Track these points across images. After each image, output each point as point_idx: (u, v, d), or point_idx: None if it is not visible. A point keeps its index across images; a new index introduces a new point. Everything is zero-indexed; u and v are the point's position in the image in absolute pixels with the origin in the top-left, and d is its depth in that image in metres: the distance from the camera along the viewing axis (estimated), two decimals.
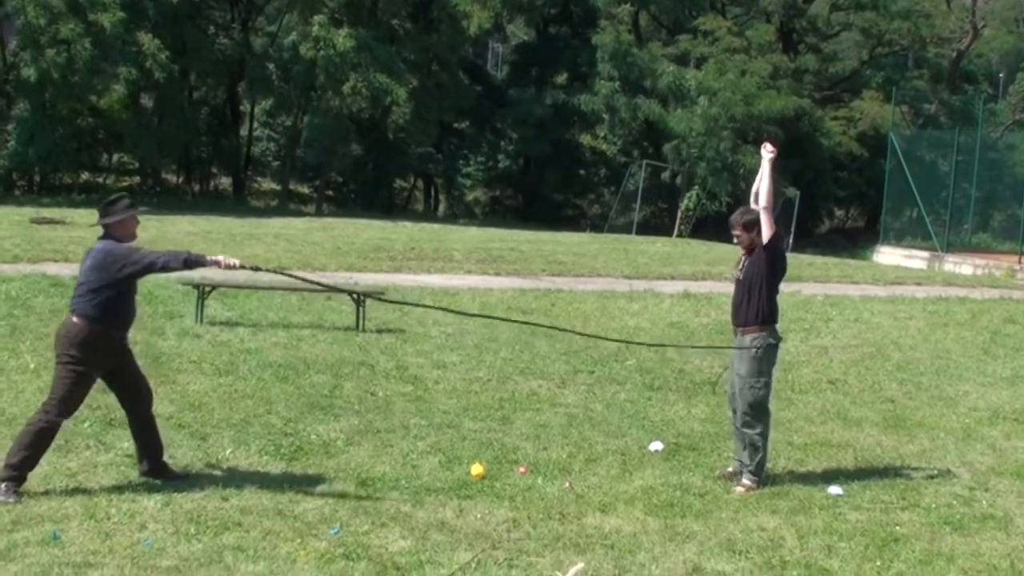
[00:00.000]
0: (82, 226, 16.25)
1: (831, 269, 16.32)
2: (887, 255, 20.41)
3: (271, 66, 25.01)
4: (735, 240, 5.01)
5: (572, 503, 4.53)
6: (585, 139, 29.34)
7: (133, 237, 4.34)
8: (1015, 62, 32.77)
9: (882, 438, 6.01)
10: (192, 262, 4.28)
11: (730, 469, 4.96)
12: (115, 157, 26.80)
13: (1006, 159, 25.22)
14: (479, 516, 4.29)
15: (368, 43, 23.12)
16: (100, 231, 4.37)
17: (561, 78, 29.00)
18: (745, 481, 4.89)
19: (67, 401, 4.29)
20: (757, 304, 4.86)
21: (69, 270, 10.71)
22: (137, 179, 26.85)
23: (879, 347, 9.18)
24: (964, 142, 21.53)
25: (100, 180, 26.37)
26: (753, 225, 4.91)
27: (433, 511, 4.32)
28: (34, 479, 4.44)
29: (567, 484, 4.78)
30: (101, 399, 5.77)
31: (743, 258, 4.99)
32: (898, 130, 23.68)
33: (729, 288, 5.21)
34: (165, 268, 4.30)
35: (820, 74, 28.46)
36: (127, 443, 5.01)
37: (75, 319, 4.24)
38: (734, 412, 5.00)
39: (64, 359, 4.27)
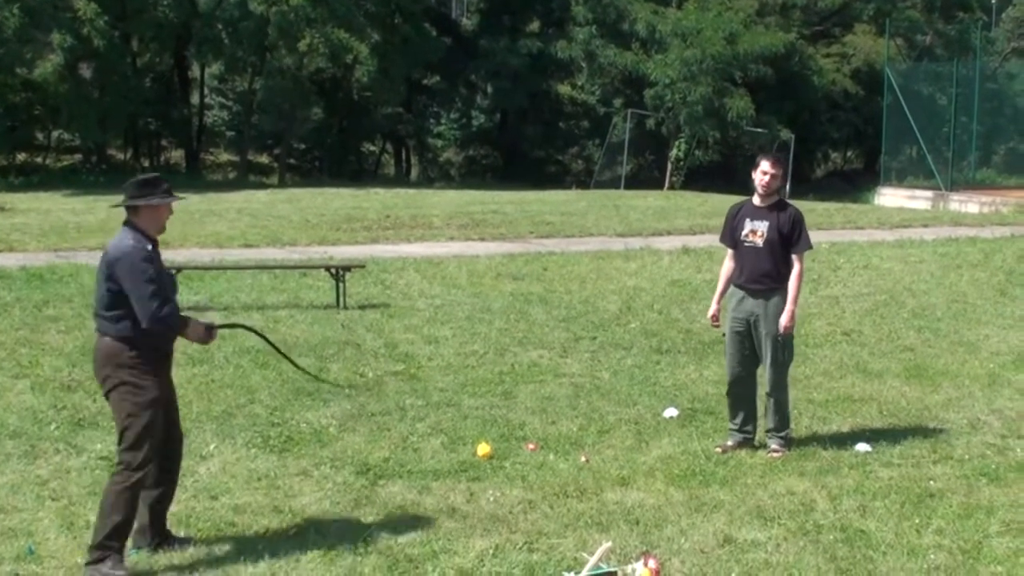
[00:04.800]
0: (24, 211, 15.81)
1: (833, 215, 16.37)
2: (889, 197, 20.51)
3: (219, 26, 24.26)
4: (765, 182, 4.72)
5: (589, 478, 4.48)
6: (563, 89, 28.99)
7: (162, 230, 3.64)
8: None
9: (905, 389, 6.03)
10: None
11: (731, 442, 4.87)
12: (54, 134, 26.03)
13: (1006, 89, 25.36)
14: (491, 499, 4.22)
15: None
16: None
17: (534, 25, 28.51)
18: (775, 446, 4.86)
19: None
20: (780, 265, 4.75)
21: (14, 260, 10.41)
22: (79, 157, 26.14)
23: (892, 294, 9.21)
24: (962, 74, 21.53)
25: (39, 160, 25.66)
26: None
27: (441, 497, 4.25)
28: (1, 490, 4.29)
29: (583, 458, 4.73)
30: (67, 398, 5.63)
31: (759, 222, 4.72)
32: (893, 64, 23.63)
33: None
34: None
35: (809, 9, 28.24)
36: (99, 445, 4.88)
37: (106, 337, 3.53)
38: (742, 379, 4.84)
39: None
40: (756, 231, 4.78)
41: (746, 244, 4.78)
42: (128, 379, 3.52)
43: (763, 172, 4.75)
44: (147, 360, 3.54)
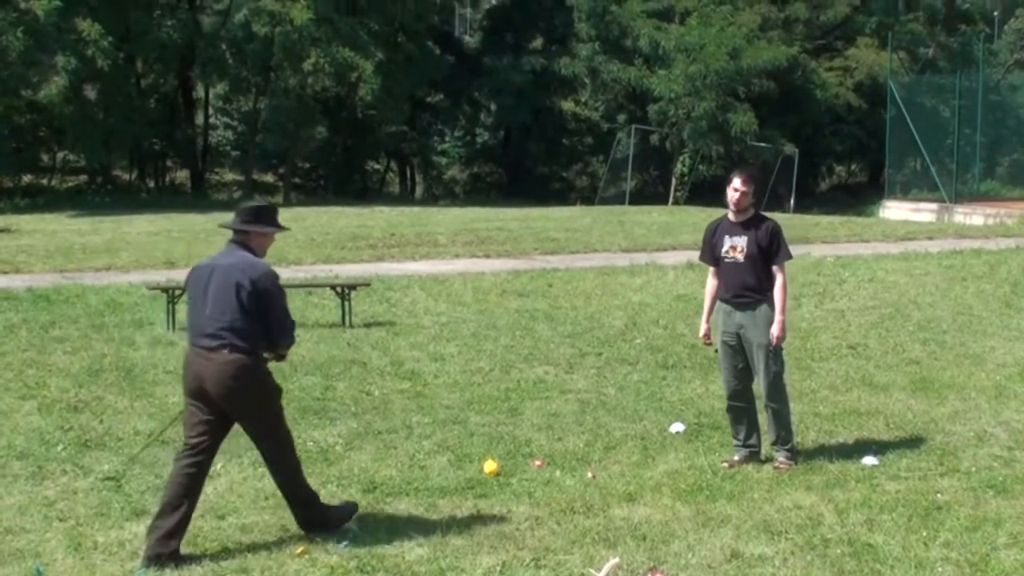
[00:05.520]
0: (29, 233, 15.95)
1: (838, 228, 16.40)
2: (894, 210, 20.55)
3: (223, 47, 24.56)
4: (735, 199, 4.78)
5: (596, 494, 4.50)
6: (567, 106, 29.18)
7: (264, 255, 3.93)
8: None
9: (911, 402, 6.04)
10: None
11: (737, 457, 4.88)
12: (59, 156, 26.30)
13: (1009, 101, 25.43)
14: (498, 516, 4.24)
15: (328, 15, 22.76)
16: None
17: (537, 42, 28.77)
18: (781, 458, 4.87)
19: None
20: (763, 278, 4.80)
21: (20, 281, 10.50)
22: (84, 178, 26.40)
23: (897, 307, 9.22)
24: (965, 86, 21.63)
25: (44, 182, 25.91)
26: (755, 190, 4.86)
27: (448, 514, 4.27)
28: (9, 511, 4.33)
29: (590, 475, 4.75)
30: (73, 419, 5.68)
31: (738, 237, 4.78)
32: (896, 77, 23.75)
33: None
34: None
35: (811, 23, 28.43)
36: (106, 465, 4.91)
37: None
38: (739, 394, 4.88)
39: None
40: (736, 247, 4.83)
41: (727, 260, 4.84)
42: (265, 389, 3.87)
43: (734, 188, 4.80)
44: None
